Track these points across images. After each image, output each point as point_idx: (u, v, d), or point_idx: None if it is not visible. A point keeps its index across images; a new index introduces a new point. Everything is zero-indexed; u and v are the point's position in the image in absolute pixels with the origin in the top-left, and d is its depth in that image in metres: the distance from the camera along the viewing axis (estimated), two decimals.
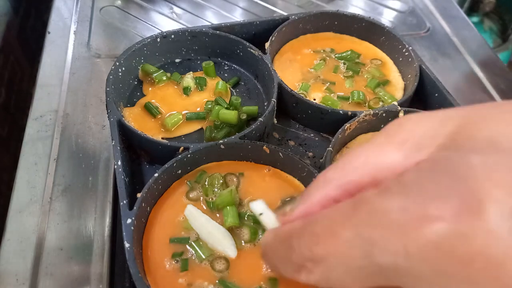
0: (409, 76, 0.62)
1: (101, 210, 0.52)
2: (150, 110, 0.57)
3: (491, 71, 0.76)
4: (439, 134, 0.17)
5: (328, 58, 0.66)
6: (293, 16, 0.66)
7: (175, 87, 0.61)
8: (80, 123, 0.61)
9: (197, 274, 0.42)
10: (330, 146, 0.50)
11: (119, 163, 0.46)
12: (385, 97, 0.60)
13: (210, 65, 0.62)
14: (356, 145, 0.55)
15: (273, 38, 0.62)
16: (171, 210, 0.47)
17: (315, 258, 0.17)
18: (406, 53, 0.63)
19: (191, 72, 0.62)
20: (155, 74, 0.60)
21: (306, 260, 0.18)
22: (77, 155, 0.58)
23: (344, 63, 0.66)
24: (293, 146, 0.57)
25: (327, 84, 0.62)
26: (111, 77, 0.55)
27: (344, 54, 0.66)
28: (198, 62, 0.65)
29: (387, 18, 0.86)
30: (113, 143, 0.49)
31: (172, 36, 0.62)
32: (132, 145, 0.53)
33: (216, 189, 0.48)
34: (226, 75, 0.64)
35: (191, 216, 0.45)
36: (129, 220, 0.42)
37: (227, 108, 0.56)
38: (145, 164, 0.53)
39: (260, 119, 0.52)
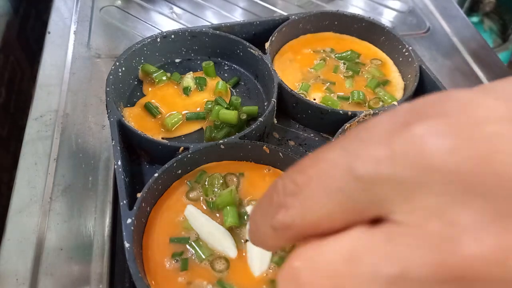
0: (409, 76, 0.62)
1: (101, 210, 0.52)
2: (150, 110, 0.57)
3: (491, 71, 0.76)
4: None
5: (328, 58, 0.66)
6: (293, 16, 0.66)
7: (175, 87, 0.61)
8: (80, 123, 0.61)
9: (197, 273, 0.42)
10: None
11: (119, 163, 0.46)
12: (385, 97, 0.60)
13: (210, 65, 0.62)
14: None
15: (273, 38, 0.62)
16: (171, 210, 0.47)
17: (295, 188, 0.16)
18: (406, 53, 0.63)
19: (191, 72, 0.62)
20: (155, 74, 0.60)
21: (287, 195, 0.16)
22: (77, 155, 0.58)
23: (344, 63, 0.66)
24: (293, 146, 0.57)
25: (327, 84, 0.62)
26: (111, 77, 0.55)
27: (344, 54, 0.66)
28: (198, 62, 0.65)
29: (387, 18, 0.86)
30: (113, 143, 0.49)
31: (172, 36, 0.62)
32: (132, 145, 0.53)
33: (216, 189, 0.48)
34: (226, 75, 0.64)
35: (191, 216, 0.45)
36: (129, 220, 0.42)
37: (227, 108, 0.56)
38: (145, 164, 0.53)
39: (260, 119, 0.52)
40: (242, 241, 0.45)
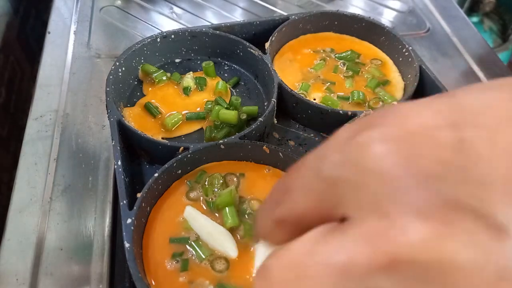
0: (409, 76, 0.62)
1: (101, 210, 0.52)
2: (150, 110, 0.57)
3: (491, 71, 0.76)
4: None
5: (328, 58, 0.66)
6: (293, 16, 0.66)
7: (175, 87, 0.61)
8: (80, 123, 0.61)
9: (197, 273, 0.42)
10: None
11: (119, 163, 0.46)
12: (385, 97, 0.60)
13: (210, 65, 0.62)
14: None
15: (273, 38, 0.62)
16: (171, 210, 0.47)
17: (287, 187, 0.19)
18: (406, 53, 0.63)
19: (191, 72, 0.62)
20: (155, 74, 0.60)
21: (281, 194, 0.20)
22: (77, 155, 0.58)
23: (344, 63, 0.66)
24: (293, 146, 0.57)
25: (327, 84, 0.62)
26: (111, 77, 0.55)
27: (344, 54, 0.66)
28: (198, 62, 0.65)
29: (387, 18, 0.86)
30: (113, 143, 0.49)
31: (172, 36, 0.62)
32: (132, 145, 0.53)
33: (216, 189, 0.48)
34: (226, 75, 0.64)
35: (190, 218, 0.45)
36: (129, 220, 0.42)
37: (227, 108, 0.56)
38: (145, 164, 0.53)
39: (260, 119, 0.52)
40: (243, 241, 0.45)
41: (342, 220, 0.17)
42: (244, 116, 0.56)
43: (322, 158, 0.18)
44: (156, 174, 0.46)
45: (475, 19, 1.34)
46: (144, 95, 0.60)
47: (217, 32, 0.63)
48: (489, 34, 1.35)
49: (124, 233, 0.41)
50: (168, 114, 0.57)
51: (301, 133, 0.59)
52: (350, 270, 0.15)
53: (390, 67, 0.66)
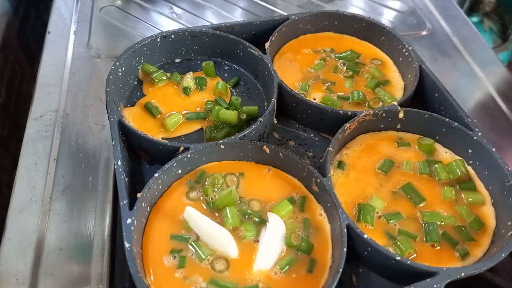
0: (409, 76, 0.62)
1: (101, 210, 0.52)
2: (150, 110, 0.57)
3: (491, 71, 0.76)
4: None
5: (328, 58, 0.66)
6: (293, 16, 0.66)
7: (175, 87, 0.61)
8: (80, 123, 0.61)
9: (193, 270, 0.42)
10: (330, 146, 0.50)
11: (119, 163, 0.46)
12: (385, 97, 0.60)
13: (210, 65, 0.62)
14: (356, 145, 0.55)
15: (273, 38, 0.62)
16: (171, 210, 0.47)
17: None
18: (406, 53, 0.63)
19: (191, 72, 0.62)
20: (155, 74, 0.60)
21: None
22: (77, 155, 0.58)
23: (344, 63, 0.66)
24: (293, 146, 0.57)
25: (327, 84, 0.62)
26: (111, 77, 0.55)
27: (344, 54, 0.66)
28: (198, 62, 0.65)
29: (387, 18, 0.86)
30: (113, 143, 0.49)
31: (172, 36, 0.62)
32: (132, 145, 0.53)
33: (216, 189, 0.48)
34: (226, 75, 0.64)
35: (190, 218, 0.45)
36: (129, 220, 0.42)
37: (227, 108, 0.56)
38: (145, 164, 0.53)
39: (260, 119, 0.52)
40: (243, 240, 0.45)
41: None
42: (244, 116, 0.56)
43: None
44: (156, 174, 0.46)
45: (475, 19, 1.34)
46: (144, 95, 0.60)
47: (217, 32, 0.63)
48: (489, 34, 1.35)
49: (124, 233, 0.41)
50: (168, 114, 0.57)
51: (301, 133, 0.59)
52: None
53: (390, 67, 0.66)
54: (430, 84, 0.60)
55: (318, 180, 0.47)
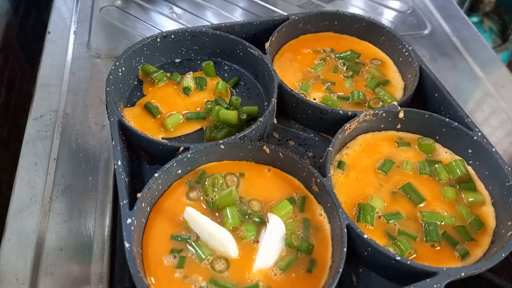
0: (409, 76, 0.62)
1: (101, 210, 0.52)
2: (150, 110, 0.57)
3: (491, 71, 0.76)
4: None
5: (328, 58, 0.66)
6: (293, 16, 0.66)
7: (175, 87, 0.61)
8: (80, 123, 0.61)
9: (193, 269, 0.42)
10: (330, 146, 0.50)
11: (119, 163, 0.46)
12: (385, 97, 0.60)
13: (210, 65, 0.62)
14: (356, 145, 0.55)
15: (273, 38, 0.62)
16: (171, 210, 0.47)
17: None
18: (406, 53, 0.63)
19: (191, 72, 0.62)
20: (155, 74, 0.60)
21: None
22: (77, 155, 0.58)
23: (344, 63, 0.66)
24: (293, 146, 0.57)
25: (327, 84, 0.62)
26: (111, 77, 0.55)
27: (344, 54, 0.66)
28: (198, 62, 0.65)
29: (387, 18, 0.86)
30: (113, 143, 0.49)
31: (172, 36, 0.62)
32: (132, 145, 0.53)
33: (216, 189, 0.48)
34: (226, 75, 0.64)
35: (190, 219, 0.45)
36: (129, 220, 0.42)
37: (227, 108, 0.56)
38: (145, 164, 0.53)
39: (260, 119, 0.52)
40: (243, 240, 0.45)
41: None
42: (244, 116, 0.56)
43: None
44: (156, 174, 0.46)
45: (475, 19, 1.34)
46: (144, 95, 0.60)
47: (217, 32, 0.63)
48: (489, 34, 1.35)
49: (124, 233, 0.41)
50: (168, 114, 0.57)
51: (301, 133, 0.59)
52: None
53: (390, 67, 0.66)
54: (430, 84, 0.60)
55: (318, 180, 0.47)
